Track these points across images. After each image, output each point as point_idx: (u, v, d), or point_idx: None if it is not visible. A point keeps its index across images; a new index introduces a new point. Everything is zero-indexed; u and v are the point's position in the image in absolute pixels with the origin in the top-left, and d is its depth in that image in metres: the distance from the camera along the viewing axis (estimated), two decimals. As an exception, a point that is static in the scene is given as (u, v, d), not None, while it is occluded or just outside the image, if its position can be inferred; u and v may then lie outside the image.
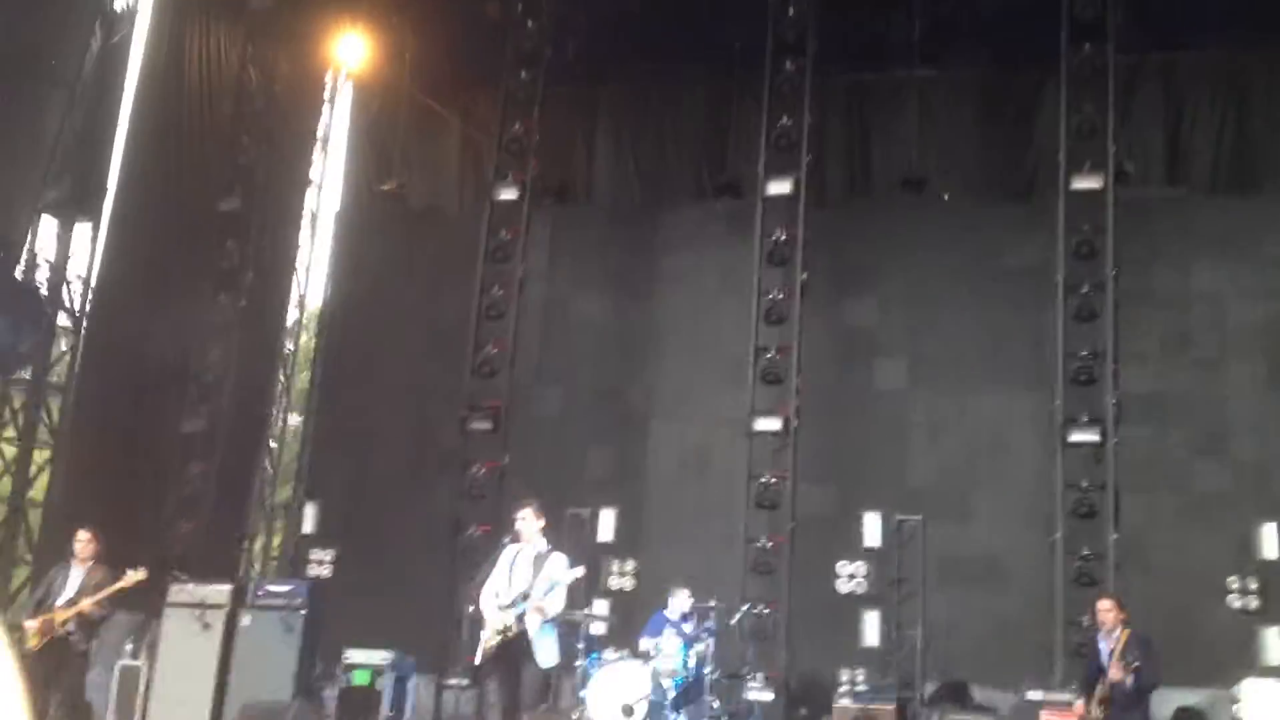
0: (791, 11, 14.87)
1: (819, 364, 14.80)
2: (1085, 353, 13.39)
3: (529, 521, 8.55)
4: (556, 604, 8.39)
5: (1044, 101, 15.54)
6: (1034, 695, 10.75)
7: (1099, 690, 8.73)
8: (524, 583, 8.38)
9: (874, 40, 16.16)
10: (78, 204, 14.67)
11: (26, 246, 14.27)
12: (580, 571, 8.79)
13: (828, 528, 13.90)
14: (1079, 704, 8.93)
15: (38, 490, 14.07)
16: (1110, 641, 8.85)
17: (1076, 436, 13.14)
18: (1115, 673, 8.57)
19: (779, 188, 14.63)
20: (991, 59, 16.15)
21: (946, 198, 16.06)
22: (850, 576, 12.41)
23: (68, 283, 14.70)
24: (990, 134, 16.38)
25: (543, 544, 8.54)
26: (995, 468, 14.88)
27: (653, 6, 16.13)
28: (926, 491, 14.36)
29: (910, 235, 15.88)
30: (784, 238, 14.41)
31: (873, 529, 12.60)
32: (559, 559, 8.50)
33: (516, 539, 8.61)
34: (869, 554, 12.53)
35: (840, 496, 14.65)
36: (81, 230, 14.78)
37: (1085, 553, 12.61)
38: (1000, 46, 15.78)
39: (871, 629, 12.13)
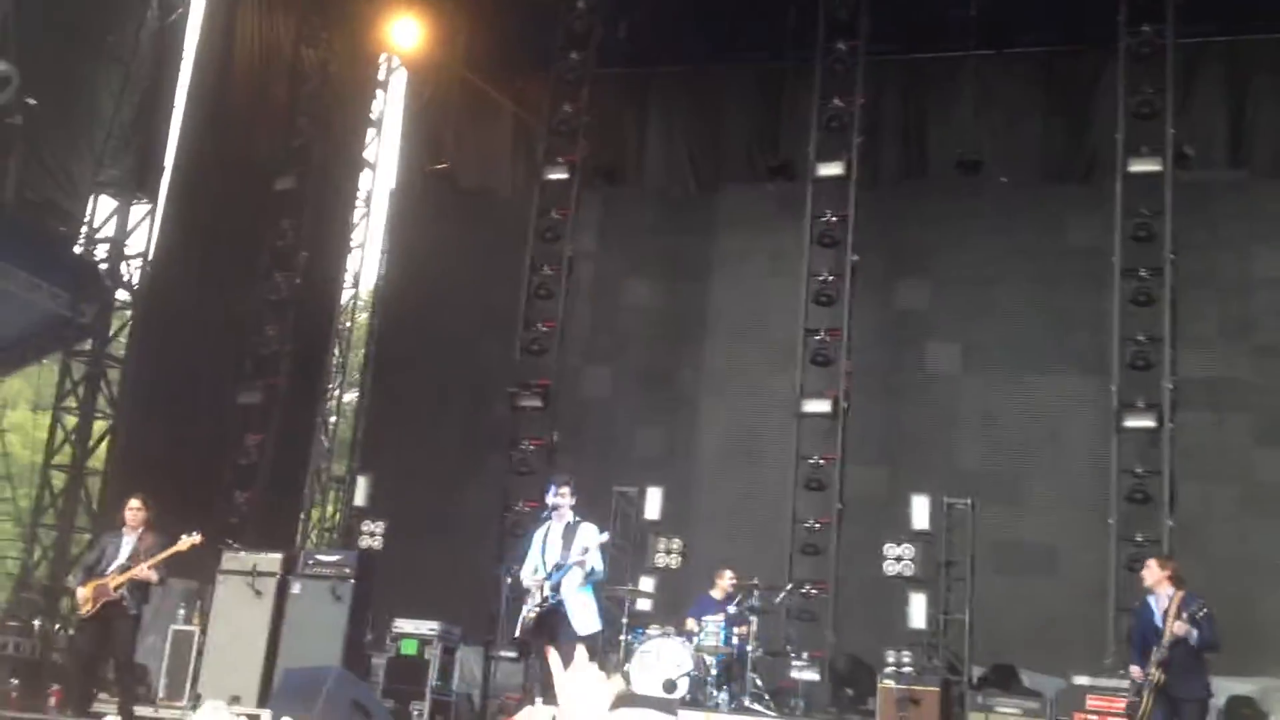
0: (846, -11, 14.77)
1: (870, 347, 14.74)
2: (1142, 337, 13.18)
3: (564, 498, 8.81)
4: (594, 561, 8.61)
5: (1103, 82, 15.30)
6: (1081, 680, 10.62)
7: (1156, 653, 8.23)
8: (557, 554, 8.63)
9: (929, 20, 16.00)
10: (136, 182, 14.90)
11: (86, 223, 14.56)
12: (607, 536, 9.02)
13: (876, 510, 13.84)
14: (1135, 670, 8.54)
15: (97, 459, 14.35)
16: (1164, 601, 8.37)
17: (1132, 422, 12.96)
18: (1179, 627, 8.03)
19: (830, 169, 14.56)
20: (1051, 39, 15.96)
21: (1004, 180, 15.86)
22: (898, 559, 12.30)
23: (127, 259, 14.95)
24: (1049, 115, 16.20)
25: (572, 517, 8.78)
26: (1050, 452, 14.72)
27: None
28: (978, 475, 14.22)
29: (965, 217, 15.73)
30: (834, 219, 14.33)
31: (921, 511, 12.49)
32: (589, 528, 8.73)
33: (551, 515, 8.86)
34: (917, 536, 12.43)
35: (889, 479, 14.60)
36: (139, 207, 15.01)
37: (1139, 539, 12.44)
38: (1060, 26, 15.60)
39: (918, 611, 12.03)
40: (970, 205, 15.70)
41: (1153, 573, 8.65)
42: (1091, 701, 10.25)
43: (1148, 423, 12.89)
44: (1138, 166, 13.62)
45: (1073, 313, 14.89)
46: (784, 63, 16.49)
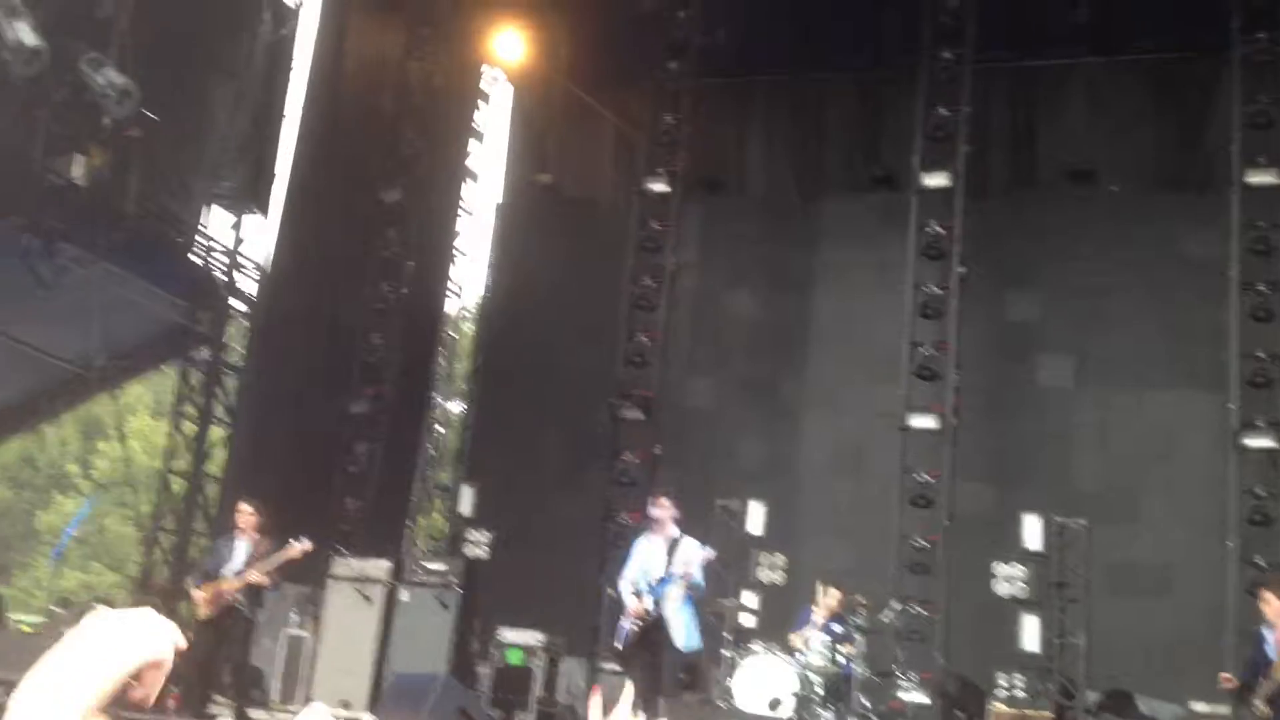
0: (949, -2, 14.56)
1: (978, 360, 14.48)
2: (1261, 354, 12.78)
3: (665, 510, 8.78)
4: (695, 577, 8.59)
5: (1218, 89, 14.88)
6: (1199, 708, 10.31)
7: (1264, 686, 7.89)
8: (659, 569, 8.61)
9: (1038, 26, 15.71)
10: (250, 193, 15.28)
11: (202, 233, 14.96)
12: (711, 553, 8.97)
13: (985, 528, 13.58)
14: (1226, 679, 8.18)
15: (215, 465, 14.70)
16: (1278, 632, 8.06)
17: (1252, 441, 12.57)
18: None
19: (935, 180, 14.36)
20: (1164, 44, 15.54)
21: (1115, 189, 15.50)
22: (1008, 579, 12.05)
23: (241, 268, 15.32)
24: (1162, 122, 15.77)
25: (675, 531, 8.75)
26: (1165, 470, 14.30)
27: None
28: (1092, 494, 13.89)
29: (1077, 228, 15.39)
30: (940, 230, 14.12)
31: (1033, 531, 12.23)
32: (690, 543, 8.70)
33: (652, 528, 8.83)
34: (1029, 556, 12.16)
35: (999, 496, 14.30)
36: (253, 218, 15.38)
37: (1260, 562, 12.05)
38: (1173, 31, 15.18)
39: (1031, 634, 11.77)
40: (1081, 215, 15.37)
41: (1271, 606, 8.32)
42: (1212, 730, 9.96)
43: (1268, 443, 12.49)
44: (1255, 178, 13.21)
45: (1189, 326, 14.49)
46: (887, 71, 16.31)
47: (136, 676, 1.22)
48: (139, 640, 1.23)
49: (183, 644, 1.27)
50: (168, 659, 1.24)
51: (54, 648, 1.19)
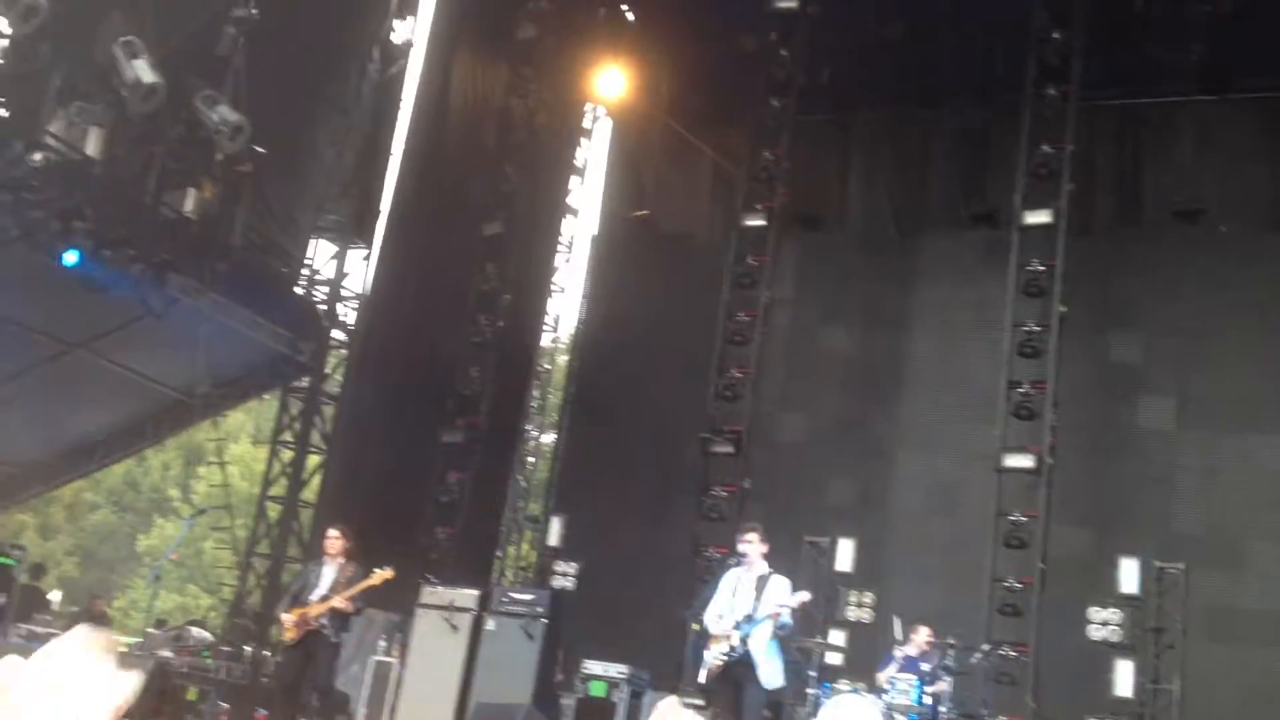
0: (1057, 35, 14.33)
1: (1078, 401, 14.18)
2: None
3: (753, 545, 8.60)
4: (785, 616, 8.41)
5: (1333, 128, 14.46)
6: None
7: None
8: (747, 605, 8.44)
9: (1145, 63, 15.40)
10: (354, 227, 15.68)
11: (306, 265, 15.38)
12: (806, 596, 8.76)
13: (1080, 572, 13.27)
14: None
15: (310, 492, 15.03)
16: None
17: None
18: None
19: (1037, 217, 14.10)
20: (1277, 83, 15.10)
21: (1224, 229, 15.09)
22: (1103, 623, 11.73)
23: (343, 300, 15.70)
24: (1273, 162, 15.33)
25: (764, 567, 8.57)
26: (1272, 516, 13.79)
27: (909, 33, 15.91)
28: (1194, 538, 13.49)
29: (1183, 268, 15.05)
30: (1041, 268, 13.86)
31: (1130, 575, 11.90)
32: (781, 581, 8.50)
33: (740, 563, 8.68)
34: (1125, 601, 11.82)
35: (1095, 539, 13.97)
36: (356, 251, 15.76)
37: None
38: (1286, 71, 14.77)
39: (1125, 679, 11.43)
40: (1188, 255, 15.02)
41: None
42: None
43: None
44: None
45: (1297, 368, 14.02)
46: (992, 109, 16.15)
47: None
48: (104, 692, 1.29)
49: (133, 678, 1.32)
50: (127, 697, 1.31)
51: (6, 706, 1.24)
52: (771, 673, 8.48)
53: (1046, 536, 12.92)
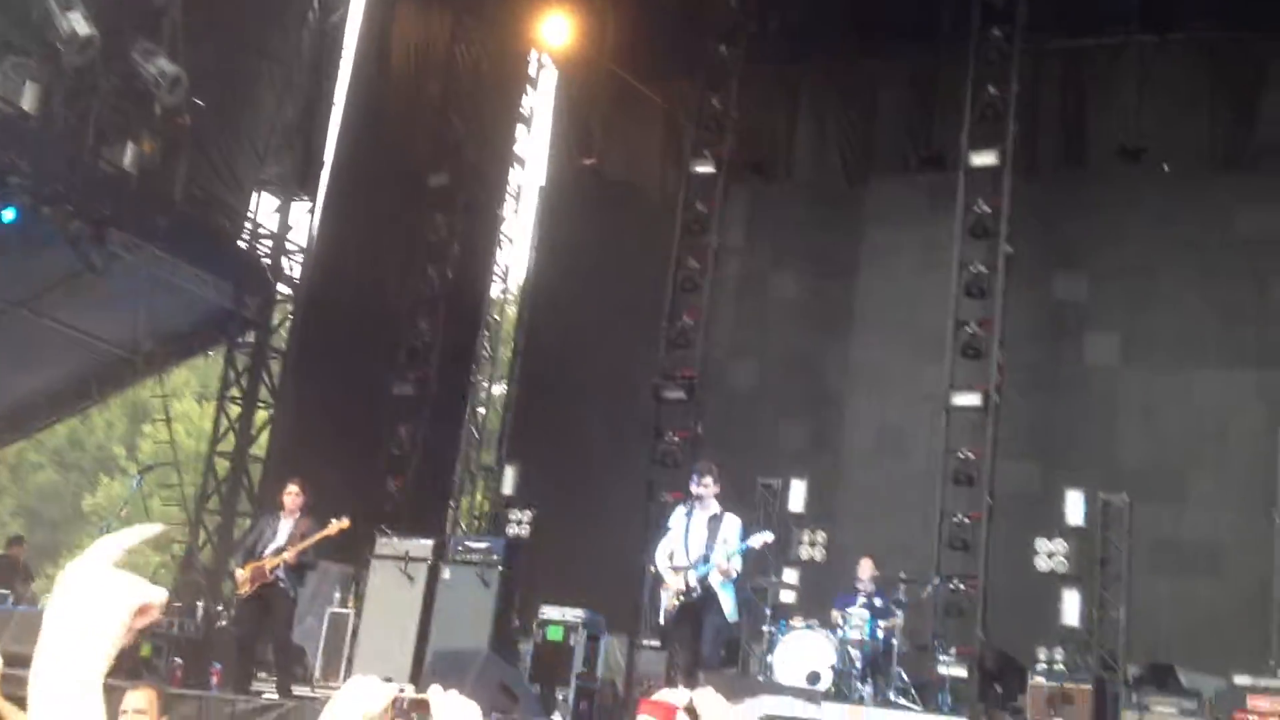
0: (1000, -23, 14.39)
1: (1025, 339, 14.36)
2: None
3: (709, 487, 8.68)
4: (737, 567, 8.53)
5: (1273, 68, 14.63)
6: (1243, 680, 10.16)
7: None
8: (701, 545, 8.54)
9: (1090, 6, 15.51)
10: (297, 179, 15.47)
11: (249, 219, 15.17)
12: (769, 536, 8.87)
13: (1027, 505, 13.50)
14: None
15: (259, 447, 14.93)
16: None
17: (1302, 417, 12.36)
18: None
19: (983, 159, 14.20)
20: (1218, 24, 15.25)
21: (1167, 168, 15.27)
22: (1050, 554, 11.97)
23: (288, 254, 15.52)
24: (1214, 102, 15.50)
25: (716, 507, 8.66)
26: (1212, 448, 14.11)
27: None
28: (1137, 471, 13.73)
29: (1127, 207, 15.21)
30: (987, 209, 13.99)
31: (1075, 507, 12.13)
32: (733, 520, 8.62)
33: (690, 504, 8.76)
34: (1071, 532, 12.06)
35: (1042, 474, 14.22)
36: (300, 204, 15.58)
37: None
38: (1226, 11, 14.89)
39: (1071, 608, 11.68)
40: (1131, 195, 15.17)
41: None
42: (1253, 701, 9.79)
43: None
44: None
45: (1239, 305, 14.30)
46: (937, 53, 16.19)
47: (134, 621, 1.30)
48: (122, 591, 1.30)
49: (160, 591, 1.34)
50: (154, 599, 1.32)
51: (46, 622, 1.27)
52: (730, 605, 8.62)
53: (994, 472, 13.14)
